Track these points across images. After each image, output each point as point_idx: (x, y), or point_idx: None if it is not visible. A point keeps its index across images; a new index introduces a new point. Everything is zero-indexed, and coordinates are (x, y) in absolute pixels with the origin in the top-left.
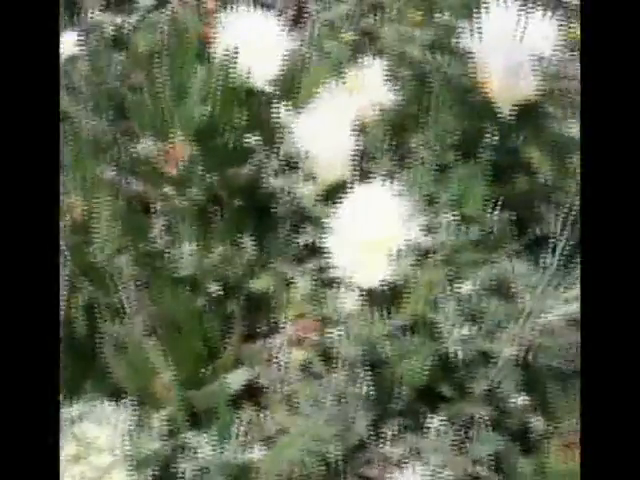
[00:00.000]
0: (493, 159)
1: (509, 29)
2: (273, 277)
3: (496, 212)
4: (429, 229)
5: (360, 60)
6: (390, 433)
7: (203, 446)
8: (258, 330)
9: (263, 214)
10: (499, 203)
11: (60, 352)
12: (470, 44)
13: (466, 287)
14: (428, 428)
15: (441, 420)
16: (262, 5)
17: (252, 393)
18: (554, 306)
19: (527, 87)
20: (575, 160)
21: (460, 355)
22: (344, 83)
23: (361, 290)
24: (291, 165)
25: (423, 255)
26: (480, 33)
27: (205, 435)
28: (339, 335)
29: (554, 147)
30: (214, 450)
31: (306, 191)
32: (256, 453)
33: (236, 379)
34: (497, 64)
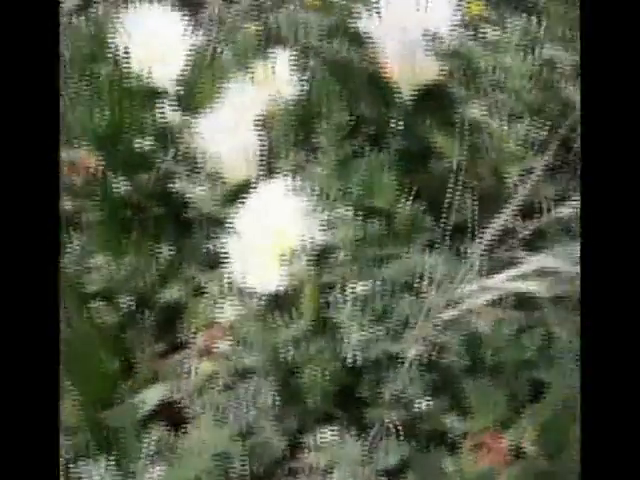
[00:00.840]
0: (401, 146)
1: (408, 9)
2: (185, 286)
3: (407, 202)
4: (332, 225)
5: (267, 52)
6: (304, 443)
7: (103, 471)
8: (172, 343)
9: (177, 220)
10: (411, 192)
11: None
12: (368, 26)
13: (370, 285)
14: (328, 438)
15: (343, 430)
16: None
17: (165, 410)
18: (461, 299)
19: (427, 69)
20: (480, 141)
21: (359, 360)
22: (251, 77)
23: (261, 295)
24: (195, 167)
25: (325, 253)
26: (378, 14)
27: (105, 459)
28: (242, 343)
29: (460, 130)
30: (114, 475)
31: (209, 193)
32: (155, 475)
33: (150, 396)
34: (396, 46)
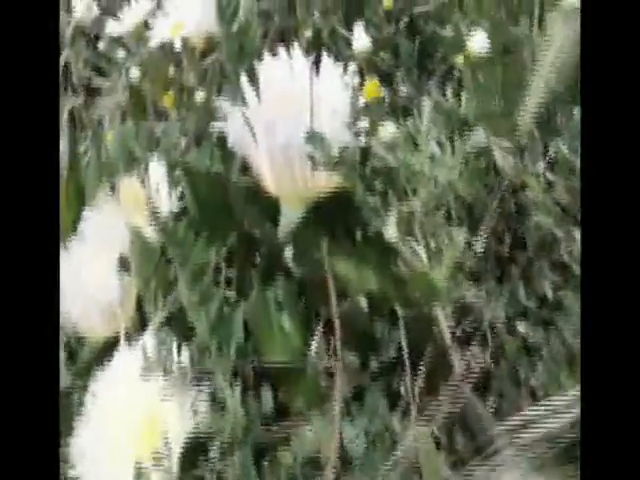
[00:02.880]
0: (297, 277)
1: (283, 105)
2: None
3: (312, 352)
4: (209, 405)
5: (134, 164)
6: None
7: None
8: None
9: None
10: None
11: None
12: (236, 132)
13: None
14: None
15: None
16: None
17: None
18: None
19: (316, 178)
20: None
21: None
22: (116, 198)
23: None
24: None
25: (199, 445)
26: (245, 113)
27: None
28: None
29: (368, 253)
30: None
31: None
32: None
33: None
34: (270, 153)
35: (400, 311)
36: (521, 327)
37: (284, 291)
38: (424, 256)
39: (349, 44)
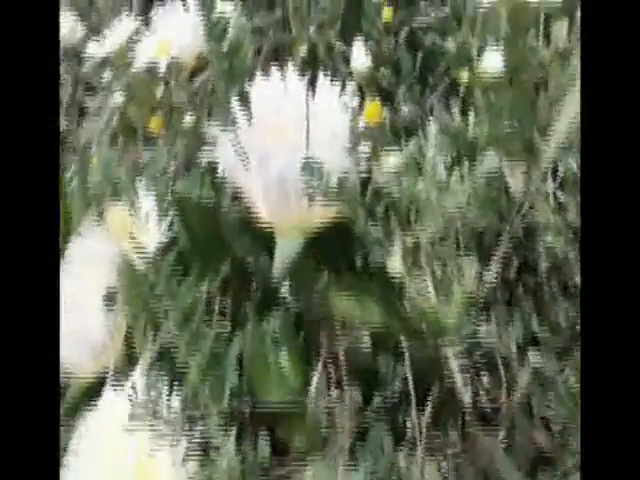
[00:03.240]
0: (295, 312)
1: (278, 131)
2: None
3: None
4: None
5: (127, 191)
6: None
7: None
8: None
9: None
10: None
11: None
12: (227, 160)
13: None
14: None
15: None
16: None
17: None
18: None
19: (313, 209)
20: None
21: None
22: (104, 223)
23: None
24: None
25: None
26: (237, 141)
27: None
28: None
29: (371, 286)
30: None
31: None
32: None
33: None
34: (264, 183)
35: (405, 344)
36: (533, 357)
37: (281, 325)
38: (431, 289)
39: (347, 60)
